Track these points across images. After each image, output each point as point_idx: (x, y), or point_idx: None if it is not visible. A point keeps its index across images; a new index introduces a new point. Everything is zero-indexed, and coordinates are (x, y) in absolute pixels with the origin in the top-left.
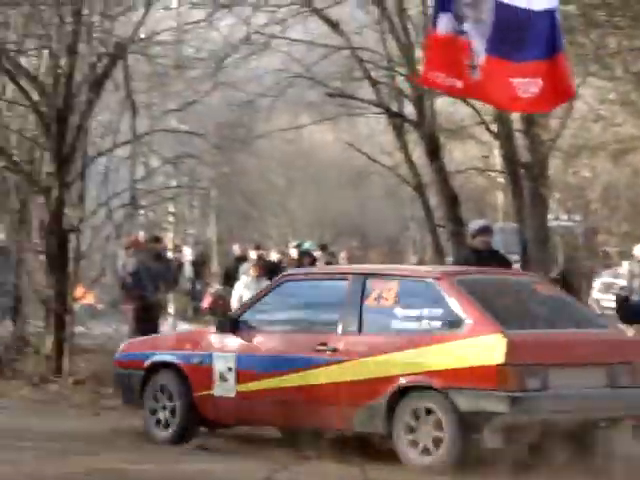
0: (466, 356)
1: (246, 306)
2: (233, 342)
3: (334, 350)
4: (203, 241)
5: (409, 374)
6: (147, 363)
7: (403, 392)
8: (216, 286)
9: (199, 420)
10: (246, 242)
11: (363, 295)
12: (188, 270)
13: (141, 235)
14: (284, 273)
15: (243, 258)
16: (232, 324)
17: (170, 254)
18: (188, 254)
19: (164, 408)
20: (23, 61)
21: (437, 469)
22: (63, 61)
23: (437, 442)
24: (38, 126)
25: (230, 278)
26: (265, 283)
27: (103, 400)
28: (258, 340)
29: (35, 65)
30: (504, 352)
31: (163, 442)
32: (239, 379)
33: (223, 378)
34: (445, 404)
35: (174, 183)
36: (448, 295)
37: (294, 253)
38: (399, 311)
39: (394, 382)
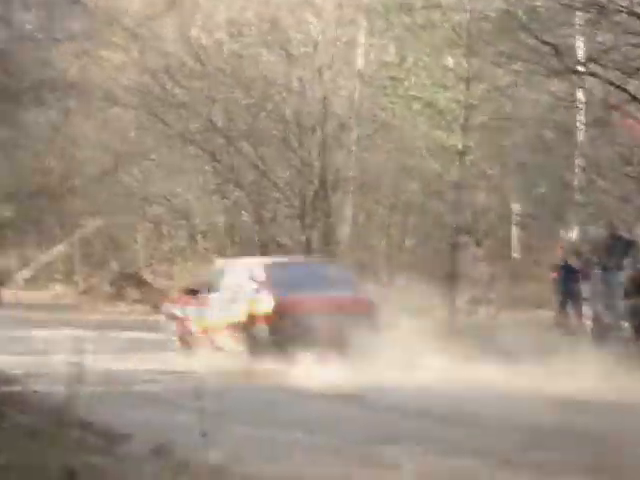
0: (260, 308)
1: (207, 282)
2: (193, 302)
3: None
4: None
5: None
6: (173, 313)
7: (245, 325)
8: None
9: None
10: None
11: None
12: None
13: None
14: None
15: None
16: (192, 292)
17: None
18: None
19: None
20: None
21: (243, 359)
22: None
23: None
24: None
25: None
26: None
27: None
28: (198, 301)
29: None
30: (272, 307)
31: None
32: (194, 322)
33: (189, 321)
34: (243, 333)
35: None
36: (264, 274)
37: None
38: (248, 282)
39: (243, 320)
